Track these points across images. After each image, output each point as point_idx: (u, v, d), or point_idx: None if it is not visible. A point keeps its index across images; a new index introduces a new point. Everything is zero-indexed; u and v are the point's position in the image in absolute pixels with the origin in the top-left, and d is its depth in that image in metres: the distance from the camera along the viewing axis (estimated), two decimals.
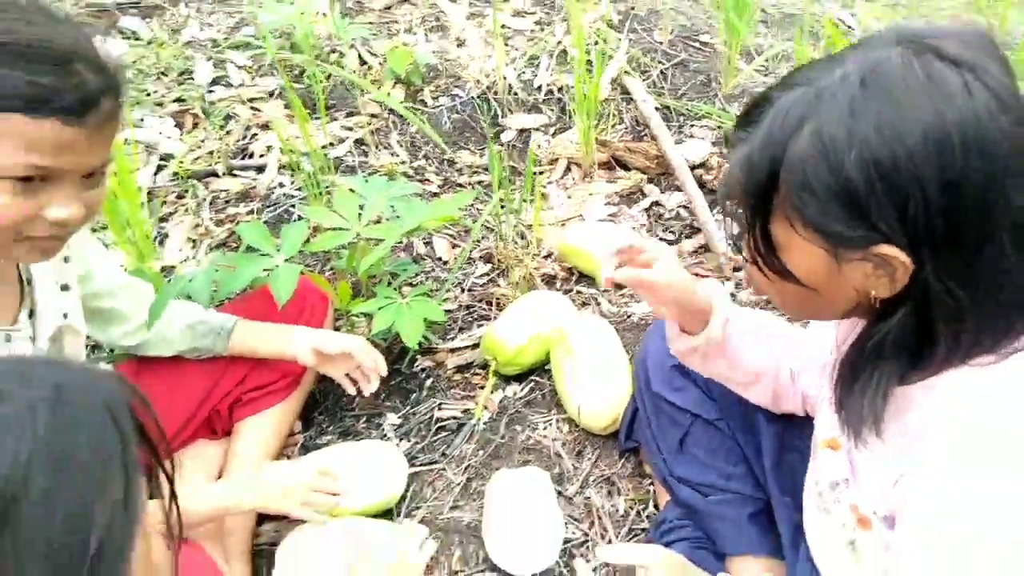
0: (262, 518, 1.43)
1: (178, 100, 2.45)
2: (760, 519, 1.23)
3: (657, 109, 2.52)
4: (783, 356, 1.14)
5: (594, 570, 1.31)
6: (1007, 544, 0.67)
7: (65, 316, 1.11)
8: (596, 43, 2.76)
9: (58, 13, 0.90)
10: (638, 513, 1.42)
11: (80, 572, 0.53)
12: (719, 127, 2.42)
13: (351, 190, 1.65)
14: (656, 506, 1.42)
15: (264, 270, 1.44)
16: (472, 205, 2.16)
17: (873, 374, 0.80)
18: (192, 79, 2.52)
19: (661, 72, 2.68)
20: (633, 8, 2.97)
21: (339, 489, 1.36)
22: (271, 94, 2.48)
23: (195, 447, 1.46)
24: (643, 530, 1.39)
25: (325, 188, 2.02)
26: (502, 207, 1.93)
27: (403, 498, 1.45)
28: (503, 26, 2.97)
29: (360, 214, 1.56)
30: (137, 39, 2.70)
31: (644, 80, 2.66)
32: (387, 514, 1.43)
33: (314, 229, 1.72)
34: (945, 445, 0.73)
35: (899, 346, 0.78)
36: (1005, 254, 0.71)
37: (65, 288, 1.13)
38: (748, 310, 1.17)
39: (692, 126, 2.46)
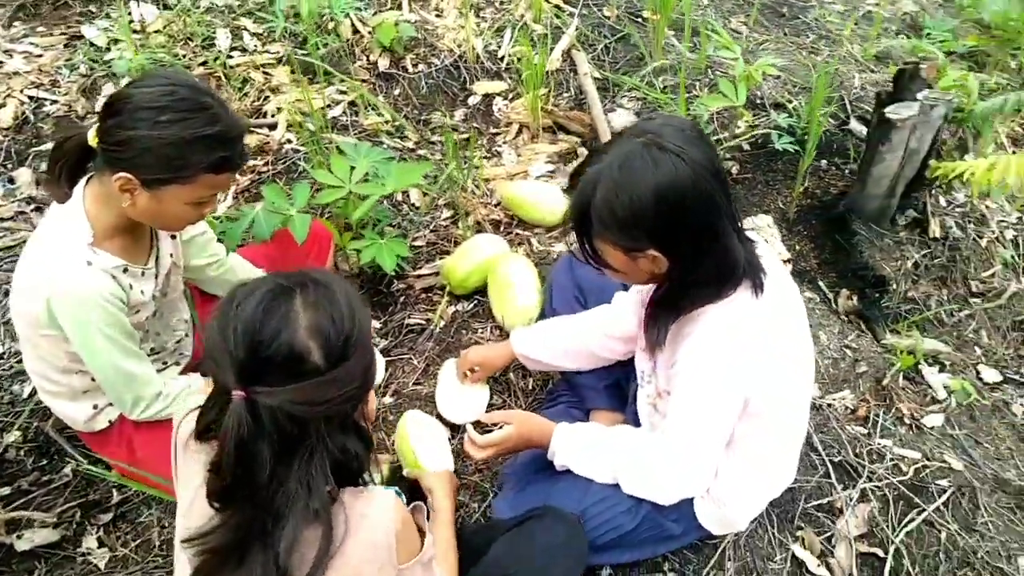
0: None
1: (203, 64, 2.98)
2: (611, 389, 1.89)
3: (597, 79, 3.07)
4: (591, 340, 1.81)
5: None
6: (701, 372, 1.38)
7: (171, 256, 1.73)
8: (556, 17, 3.28)
9: (228, 105, 1.48)
10: (541, 388, 2.08)
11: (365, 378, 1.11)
12: (644, 98, 2.97)
13: (342, 151, 2.24)
14: (554, 384, 2.08)
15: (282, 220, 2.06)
16: (441, 160, 2.74)
17: (659, 315, 1.44)
18: (214, 45, 3.04)
19: (605, 46, 3.21)
20: None
21: None
22: (279, 60, 3.01)
23: None
24: (542, 399, 2.05)
25: (324, 145, 2.60)
26: (465, 163, 2.52)
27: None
28: None
29: (350, 175, 2.16)
30: (166, 6, 3.21)
31: (590, 53, 3.19)
32: None
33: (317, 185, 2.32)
34: (695, 340, 1.39)
35: (672, 298, 1.42)
36: (707, 251, 1.33)
37: (173, 237, 1.74)
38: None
39: (622, 97, 3.02)
